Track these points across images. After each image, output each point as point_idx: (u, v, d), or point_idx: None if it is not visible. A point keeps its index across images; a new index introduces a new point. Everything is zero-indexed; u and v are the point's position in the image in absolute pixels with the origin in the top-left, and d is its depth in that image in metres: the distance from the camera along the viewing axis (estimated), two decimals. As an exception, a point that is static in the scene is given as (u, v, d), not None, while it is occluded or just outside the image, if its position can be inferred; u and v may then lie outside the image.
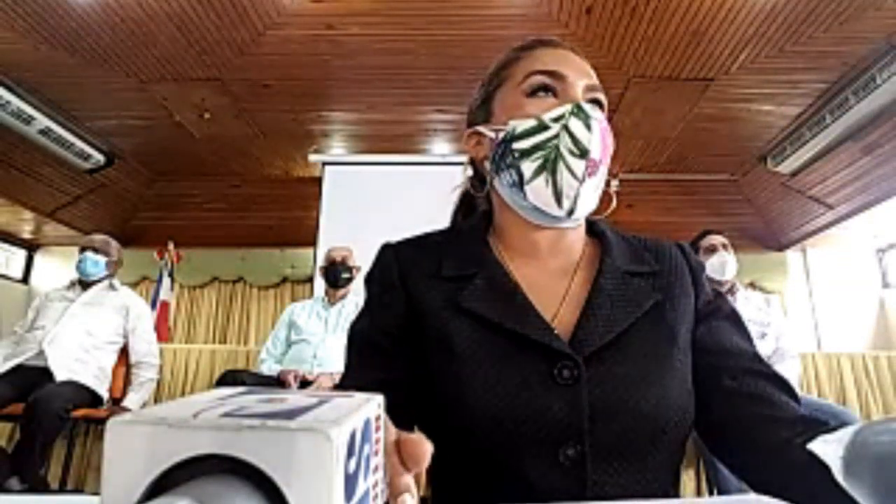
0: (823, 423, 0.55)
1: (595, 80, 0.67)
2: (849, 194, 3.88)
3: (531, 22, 2.92)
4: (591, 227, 0.72)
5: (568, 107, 0.62)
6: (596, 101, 0.65)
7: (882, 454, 0.35)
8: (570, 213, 0.62)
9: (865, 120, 3.30)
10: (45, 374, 2.35)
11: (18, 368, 2.41)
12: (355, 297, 2.83)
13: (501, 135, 0.65)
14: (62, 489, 2.50)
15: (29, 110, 3.48)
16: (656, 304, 0.62)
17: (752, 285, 4.44)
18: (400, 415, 0.61)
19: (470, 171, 0.77)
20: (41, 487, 2.23)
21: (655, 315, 0.62)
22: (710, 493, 2.23)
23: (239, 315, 4.84)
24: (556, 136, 0.61)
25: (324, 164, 4.35)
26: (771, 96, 3.47)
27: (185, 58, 3.22)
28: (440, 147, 4.30)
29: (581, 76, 0.65)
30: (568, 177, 0.60)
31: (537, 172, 0.62)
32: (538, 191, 0.62)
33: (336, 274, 2.76)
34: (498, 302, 0.61)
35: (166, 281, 4.36)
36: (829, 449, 0.39)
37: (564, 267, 0.67)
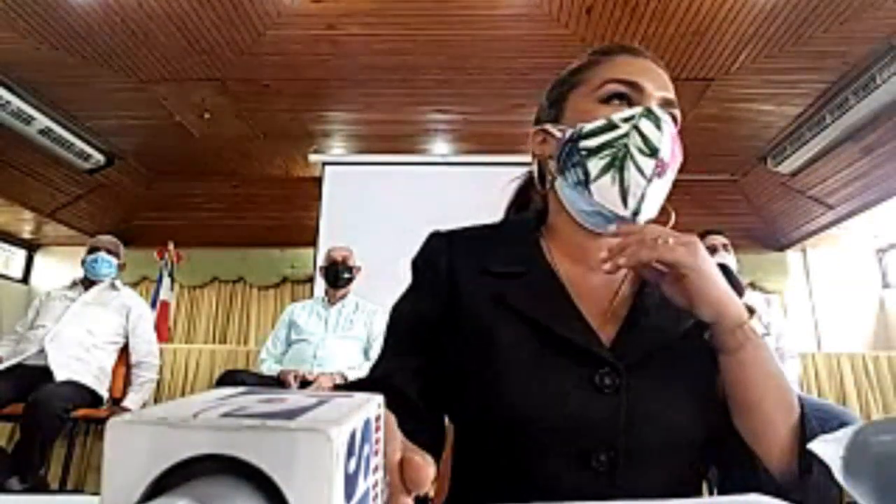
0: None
1: (672, 95, 0.66)
2: (849, 194, 3.88)
3: (531, 22, 2.92)
4: None
5: (639, 109, 0.61)
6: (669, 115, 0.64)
7: (882, 454, 0.35)
8: (636, 213, 0.61)
9: (865, 120, 3.30)
10: (46, 373, 2.35)
11: (18, 368, 2.41)
12: (355, 297, 2.83)
13: (569, 133, 0.64)
14: (62, 489, 2.50)
15: (29, 110, 3.48)
16: (696, 324, 0.62)
17: (752, 285, 4.44)
18: (433, 401, 0.61)
19: (535, 168, 0.75)
20: (41, 487, 2.23)
21: (695, 334, 0.61)
22: (711, 493, 2.23)
23: (239, 315, 4.84)
24: (626, 134, 0.60)
25: (324, 164, 4.35)
26: (771, 96, 3.46)
27: (185, 58, 3.22)
28: (440, 147, 4.30)
29: (659, 89, 0.64)
30: (636, 175, 0.59)
31: (604, 170, 0.60)
32: (604, 189, 0.61)
33: (336, 274, 2.76)
34: (544, 303, 0.61)
35: (166, 281, 4.36)
36: (828, 449, 0.39)
37: (611, 276, 0.66)
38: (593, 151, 0.61)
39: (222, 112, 3.79)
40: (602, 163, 0.61)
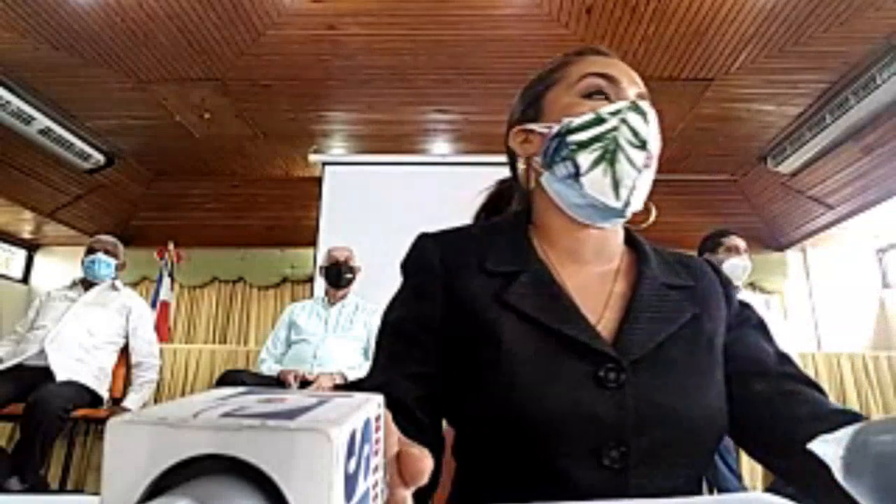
0: (860, 416, 0.55)
1: (644, 89, 0.68)
2: (849, 194, 3.88)
3: (531, 22, 2.92)
4: (627, 237, 0.72)
5: (626, 102, 0.63)
6: None
7: (882, 454, 0.35)
8: (627, 204, 0.62)
9: (865, 120, 3.30)
10: (46, 373, 2.35)
11: (19, 368, 2.41)
12: (355, 297, 2.83)
13: (555, 129, 0.65)
14: (62, 489, 2.50)
15: (29, 110, 3.48)
16: (694, 316, 0.63)
17: (752, 285, 4.44)
18: (431, 407, 0.61)
19: (520, 166, 0.74)
20: (41, 487, 2.23)
21: (693, 327, 0.62)
22: (711, 493, 2.23)
23: (239, 315, 4.84)
24: (615, 128, 0.62)
25: (324, 164, 4.35)
26: (771, 96, 3.46)
27: (185, 58, 3.22)
28: (440, 147, 4.30)
29: (632, 84, 0.67)
30: (627, 167, 0.61)
31: (595, 163, 0.62)
32: (596, 181, 0.62)
33: (339, 274, 2.76)
34: (544, 302, 0.61)
35: (166, 281, 4.36)
36: (829, 449, 0.39)
37: (605, 272, 0.67)
38: (583, 145, 0.62)
39: (222, 112, 3.79)
40: (593, 156, 0.62)
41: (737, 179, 4.56)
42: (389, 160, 4.28)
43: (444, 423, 0.66)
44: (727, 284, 0.70)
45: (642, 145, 0.61)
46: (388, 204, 4.05)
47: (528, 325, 0.59)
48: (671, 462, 0.56)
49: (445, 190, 3.99)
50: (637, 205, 0.63)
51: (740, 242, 2.59)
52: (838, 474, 0.38)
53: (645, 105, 0.63)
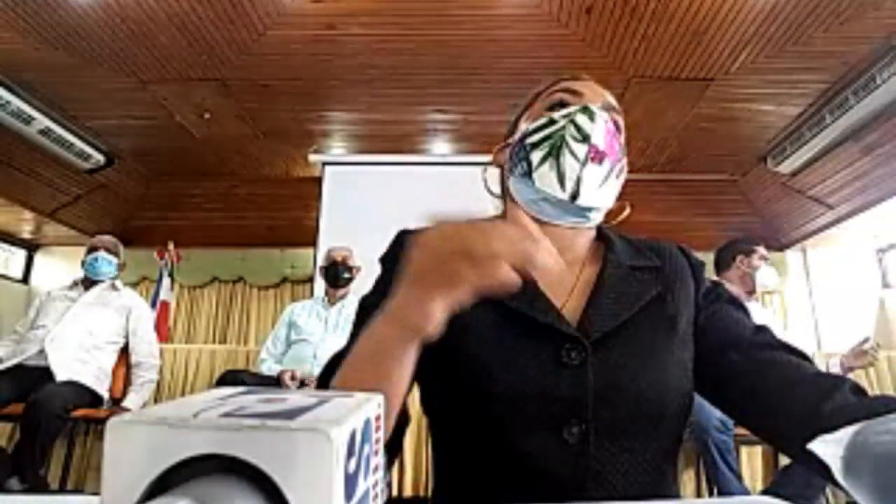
0: (843, 378, 0.56)
1: (612, 101, 0.72)
2: (849, 194, 3.88)
3: (531, 22, 2.92)
4: (597, 232, 0.76)
5: (577, 106, 0.68)
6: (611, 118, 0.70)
7: (882, 454, 0.35)
8: (574, 196, 0.65)
9: (865, 120, 3.30)
10: (46, 373, 2.35)
11: (19, 368, 2.41)
12: (355, 297, 2.83)
13: (518, 136, 0.71)
14: (62, 489, 2.50)
15: (29, 110, 3.48)
16: (658, 295, 0.65)
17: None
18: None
19: (491, 181, 0.83)
20: (41, 487, 2.23)
21: (657, 306, 0.65)
22: (710, 494, 2.23)
23: (239, 315, 4.84)
24: (563, 127, 0.66)
25: (324, 164, 4.35)
26: (771, 96, 3.46)
27: (185, 58, 3.22)
28: (440, 147, 4.30)
29: (597, 97, 0.71)
30: (570, 159, 0.65)
31: (544, 159, 0.66)
32: (544, 175, 0.66)
33: (337, 274, 2.77)
34: None
35: (166, 281, 4.36)
36: (828, 449, 0.39)
37: (572, 262, 0.71)
38: (535, 145, 0.68)
39: (222, 112, 3.79)
40: (542, 153, 0.67)
41: (737, 179, 4.56)
42: (389, 160, 4.27)
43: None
44: (696, 265, 0.73)
45: (585, 139, 0.65)
46: (388, 204, 4.04)
47: (494, 310, 0.62)
48: (631, 439, 0.58)
49: (445, 190, 3.99)
50: (593, 201, 0.66)
51: (767, 253, 2.63)
52: (838, 474, 0.38)
53: (596, 108, 0.67)
